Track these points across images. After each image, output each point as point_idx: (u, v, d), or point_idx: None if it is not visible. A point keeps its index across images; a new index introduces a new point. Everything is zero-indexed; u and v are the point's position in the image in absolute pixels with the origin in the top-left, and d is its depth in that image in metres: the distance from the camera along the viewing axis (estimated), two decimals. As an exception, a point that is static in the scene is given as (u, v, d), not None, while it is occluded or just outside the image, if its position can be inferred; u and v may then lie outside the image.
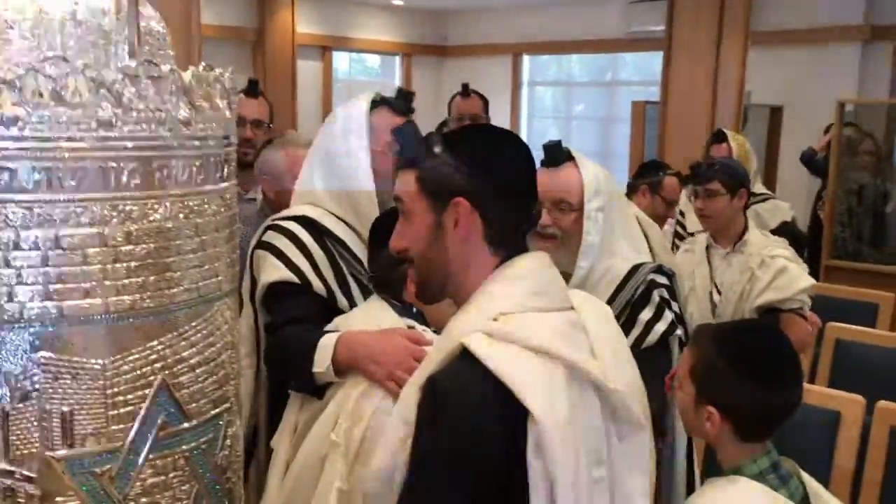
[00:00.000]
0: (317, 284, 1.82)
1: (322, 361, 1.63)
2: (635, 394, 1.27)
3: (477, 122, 3.45)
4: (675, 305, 1.97)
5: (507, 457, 1.10)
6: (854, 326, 3.46)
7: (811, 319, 2.91)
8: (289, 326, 1.79)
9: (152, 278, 0.92)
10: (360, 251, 1.89)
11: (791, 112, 5.77)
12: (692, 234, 3.88)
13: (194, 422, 0.95)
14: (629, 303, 1.90)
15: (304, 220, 1.89)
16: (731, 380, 1.42)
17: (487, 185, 1.22)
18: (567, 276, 1.89)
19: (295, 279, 1.81)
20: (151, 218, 0.91)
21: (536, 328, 1.16)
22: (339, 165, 1.91)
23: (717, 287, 3.02)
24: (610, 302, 1.87)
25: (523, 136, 8.34)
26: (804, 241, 4.29)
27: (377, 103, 1.94)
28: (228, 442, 1.00)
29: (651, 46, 6.41)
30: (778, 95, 6.00)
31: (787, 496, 1.42)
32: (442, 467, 1.11)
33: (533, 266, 1.24)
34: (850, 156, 4.93)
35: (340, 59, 8.08)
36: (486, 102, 3.73)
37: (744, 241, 2.96)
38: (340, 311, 1.83)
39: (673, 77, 4.94)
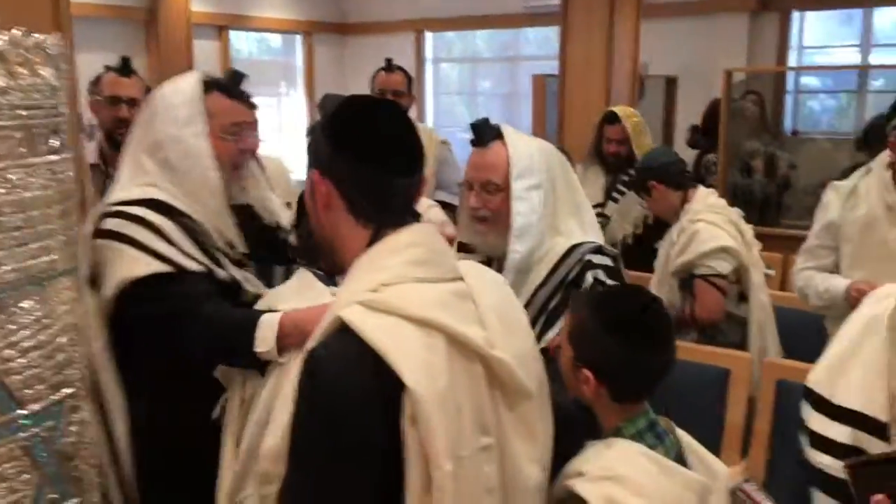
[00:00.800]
0: (191, 265, 1.74)
1: (266, 341, 1.60)
2: (529, 362, 1.27)
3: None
4: (611, 284, 1.88)
5: (386, 429, 1.09)
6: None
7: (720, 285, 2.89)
8: (207, 304, 1.70)
9: (-29, 258, 0.86)
10: (214, 233, 1.82)
11: (685, 82, 5.91)
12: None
13: (31, 409, 0.90)
14: (563, 283, 1.86)
15: (150, 203, 1.77)
16: (602, 342, 1.44)
17: (345, 157, 1.21)
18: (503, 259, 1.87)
19: (168, 268, 1.71)
20: (-34, 193, 0.85)
21: (416, 298, 1.16)
22: (176, 154, 1.81)
23: None
24: (544, 282, 1.86)
25: (429, 113, 8.35)
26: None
27: (209, 86, 1.86)
28: (74, 428, 0.95)
29: (549, 21, 6.45)
30: (673, 66, 6.14)
31: (664, 453, 1.45)
32: (318, 442, 1.10)
33: (415, 237, 1.23)
34: (740, 123, 5.07)
35: (239, 39, 7.87)
36: (409, 78, 3.67)
37: (684, 209, 2.99)
38: (225, 285, 1.78)
39: (569, 51, 4.98)
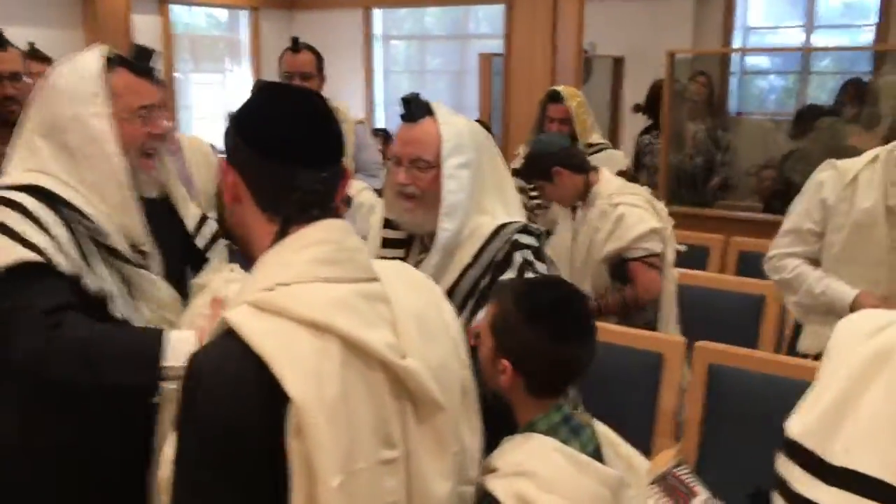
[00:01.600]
0: (62, 263, 1.58)
1: (178, 355, 1.47)
2: (449, 372, 1.21)
3: (305, 82, 3.27)
4: (540, 266, 1.88)
5: (270, 442, 1.02)
6: (686, 270, 3.60)
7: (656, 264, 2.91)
8: (70, 313, 1.55)
9: None
10: (112, 228, 1.68)
11: (632, 63, 5.91)
12: (533, 189, 3.92)
13: None
14: (492, 263, 1.83)
15: (34, 190, 1.62)
16: (522, 332, 1.42)
17: (249, 147, 1.15)
18: (432, 236, 1.83)
19: (37, 258, 1.55)
20: None
21: (312, 299, 1.08)
22: (75, 138, 1.66)
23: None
24: (473, 262, 1.83)
25: (378, 91, 8.24)
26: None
27: (113, 62, 1.71)
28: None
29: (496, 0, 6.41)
30: (620, 47, 6.14)
31: (580, 448, 1.42)
32: (196, 457, 1.04)
33: (323, 234, 1.15)
34: (685, 103, 5.09)
35: (182, 14, 7.66)
36: (319, 58, 3.52)
37: (593, 192, 2.96)
38: (85, 294, 1.61)
39: (515, 30, 4.96)
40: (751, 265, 4.08)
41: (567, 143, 3.14)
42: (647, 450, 2.27)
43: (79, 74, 1.67)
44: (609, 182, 3.01)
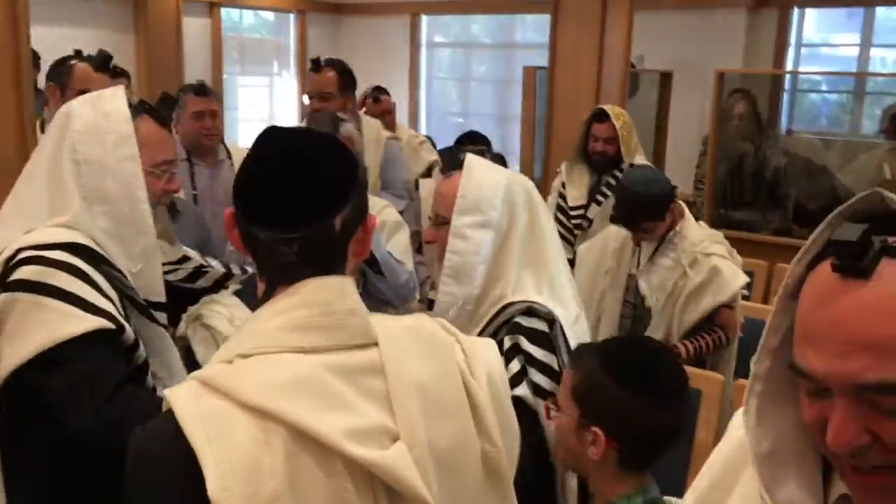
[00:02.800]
0: (126, 327, 1.49)
1: None
2: (464, 453, 1.06)
3: (325, 106, 3.20)
4: (537, 353, 1.67)
5: None
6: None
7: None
8: (129, 387, 1.45)
9: None
10: (135, 282, 1.59)
11: (680, 78, 5.79)
12: (574, 209, 3.86)
13: None
14: None
15: (73, 248, 1.49)
16: (616, 394, 1.33)
17: (237, 204, 1.07)
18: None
19: (110, 325, 1.44)
20: None
21: (260, 379, 0.96)
22: (103, 182, 1.55)
23: (645, 273, 2.92)
24: None
25: (421, 98, 8.23)
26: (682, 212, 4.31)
27: (137, 110, 1.63)
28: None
29: (544, 9, 6.32)
30: (668, 61, 6.01)
31: None
32: None
33: (308, 297, 1.03)
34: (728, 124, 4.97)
35: (232, 16, 7.73)
36: (342, 75, 3.39)
37: (675, 232, 2.84)
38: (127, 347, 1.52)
39: (560, 41, 4.86)
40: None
41: (662, 187, 2.84)
42: (680, 488, 2.20)
43: (111, 115, 1.58)
44: (694, 229, 2.90)
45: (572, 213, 3.86)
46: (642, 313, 2.96)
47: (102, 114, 1.58)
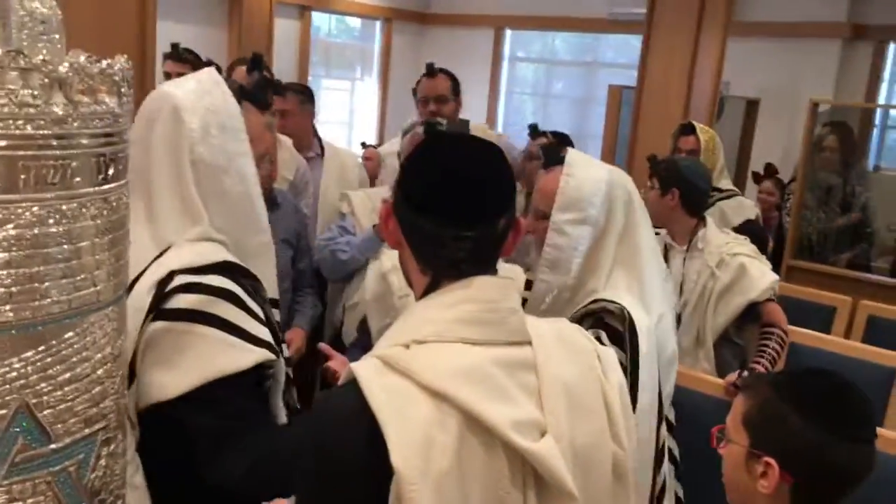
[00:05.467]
0: (281, 357, 1.43)
1: None
2: (599, 451, 1.11)
3: (442, 112, 3.25)
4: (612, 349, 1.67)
5: (372, 502, 0.97)
6: (809, 331, 3.44)
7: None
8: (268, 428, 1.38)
9: (15, 289, 0.83)
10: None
11: (767, 106, 5.71)
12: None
13: (61, 443, 0.88)
14: None
15: (229, 269, 1.39)
16: (795, 424, 1.23)
17: (405, 201, 1.12)
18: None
19: (271, 356, 1.37)
20: (15, 224, 0.82)
21: (440, 364, 1.02)
22: (223, 180, 1.44)
23: (676, 285, 2.98)
24: None
25: (500, 111, 8.27)
26: (766, 239, 4.26)
27: (238, 96, 1.52)
28: (103, 462, 0.93)
29: (631, 29, 6.31)
30: (755, 88, 5.94)
31: None
32: (306, 496, 1.03)
33: (473, 293, 1.09)
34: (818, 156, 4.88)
35: (321, 20, 7.89)
36: (455, 81, 3.53)
37: (698, 237, 2.90)
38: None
39: (650, 62, 4.85)
40: (880, 333, 3.87)
41: (708, 187, 3.00)
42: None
43: (221, 110, 1.46)
44: (717, 232, 2.97)
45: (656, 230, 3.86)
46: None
47: (212, 110, 1.45)
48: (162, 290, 1.31)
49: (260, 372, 1.39)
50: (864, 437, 1.26)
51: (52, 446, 0.88)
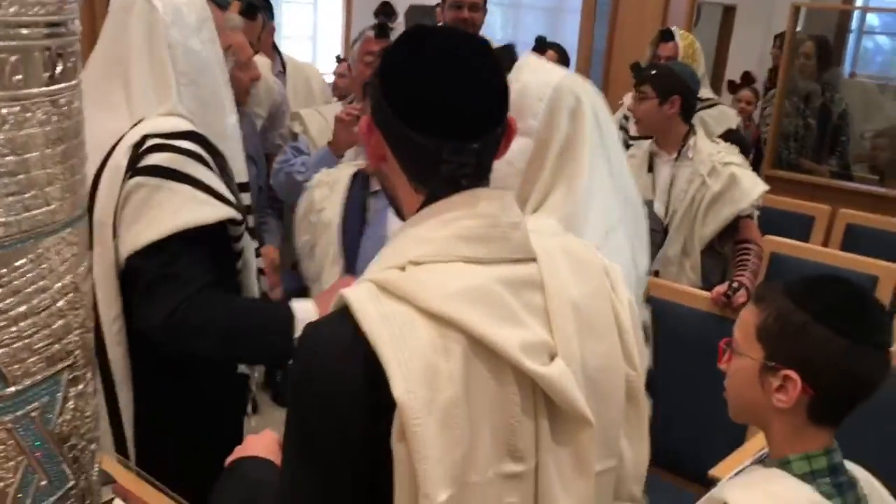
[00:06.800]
0: (246, 220, 1.54)
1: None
2: (612, 373, 1.04)
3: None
4: None
5: (372, 439, 0.90)
6: (789, 241, 3.42)
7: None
8: (209, 291, 1.43)
9: (-49, 209, 0.71)
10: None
11: (744, 12, 5.56)
12: (636, 138, 3.74)
13: (20, 385, 0.77)
14: None
15: (193, 137, 1.48)
16: (818, 334, 1.17)
17: (392, 110, 0.97)
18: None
19: (236, 214, 1.47)
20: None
21: (440, 286, 0.93)
22: (190, 65, 1.54)
23: (663, 194, 2.91)
24: None
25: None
26: (748, 148, 4.20)
27: None
28: (71, 404, 0.82)
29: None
30: (730, -6, 5.79)
31: None
32: (294, 438, 0.94)
33: (472, 207, 0.97)
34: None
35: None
36: None
37: (689, 146, 2.85)
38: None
39: (626, -33, 4.68)
40: (859, 241, 3.86)
41: (698, 87, 2.95)
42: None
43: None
44: (707, 141, 2.93)
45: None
46: (660, 241, 2.89)
47: (183, 1, 1.56)
48: (136, 151, 1.43)
49: (227, 234, 1.49)
50: (884, 343, 1.21)
51: (10, 389, 0.77)
